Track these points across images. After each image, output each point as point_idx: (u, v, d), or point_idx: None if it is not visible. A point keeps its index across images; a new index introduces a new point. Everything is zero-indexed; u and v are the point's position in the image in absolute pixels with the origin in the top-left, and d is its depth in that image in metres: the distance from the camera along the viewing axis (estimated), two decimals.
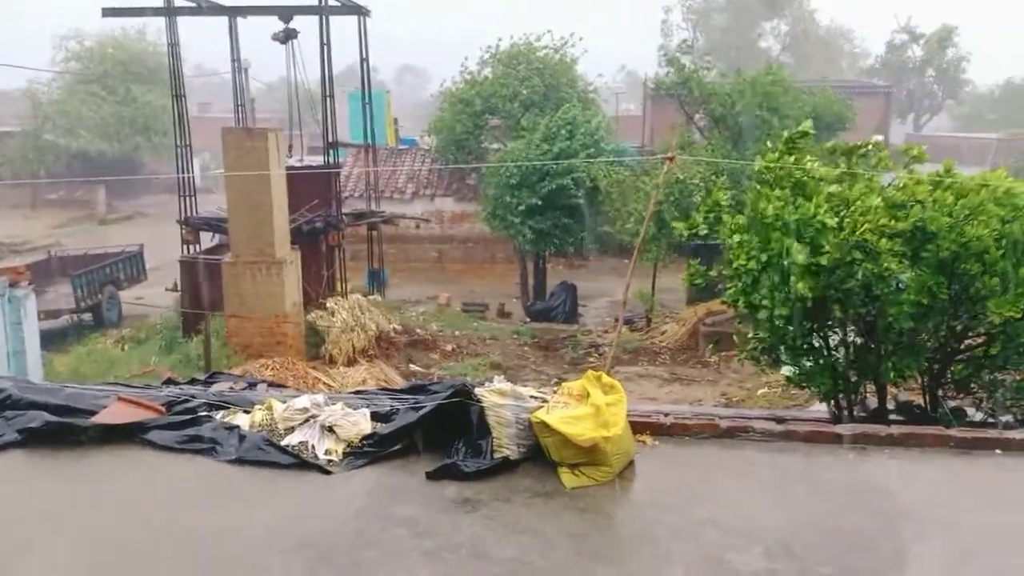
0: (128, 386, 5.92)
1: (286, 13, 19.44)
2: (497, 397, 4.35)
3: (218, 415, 4.92)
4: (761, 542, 3.60)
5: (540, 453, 4.30)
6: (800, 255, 6.42)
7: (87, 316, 20.73)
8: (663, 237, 17.32)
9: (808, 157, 7.43)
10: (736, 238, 7.01)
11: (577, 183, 20.13)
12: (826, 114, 22.17)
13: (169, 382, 6.76)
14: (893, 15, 54.42)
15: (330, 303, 17.67)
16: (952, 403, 7.81)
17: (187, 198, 19.72)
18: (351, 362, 16.72)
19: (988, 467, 4.42)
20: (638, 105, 41.02)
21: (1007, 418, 7.14)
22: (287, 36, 19.69)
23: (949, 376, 7.51)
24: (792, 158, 7.41)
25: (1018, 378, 7.43)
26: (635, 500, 4.08)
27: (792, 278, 6.47)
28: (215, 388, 5.93)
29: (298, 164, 20.84)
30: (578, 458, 4.14)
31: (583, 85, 26.87)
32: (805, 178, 7.17)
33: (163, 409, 4.95)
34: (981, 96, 52.85)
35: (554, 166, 19.64)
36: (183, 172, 20.02)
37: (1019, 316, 6.30)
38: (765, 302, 6.69)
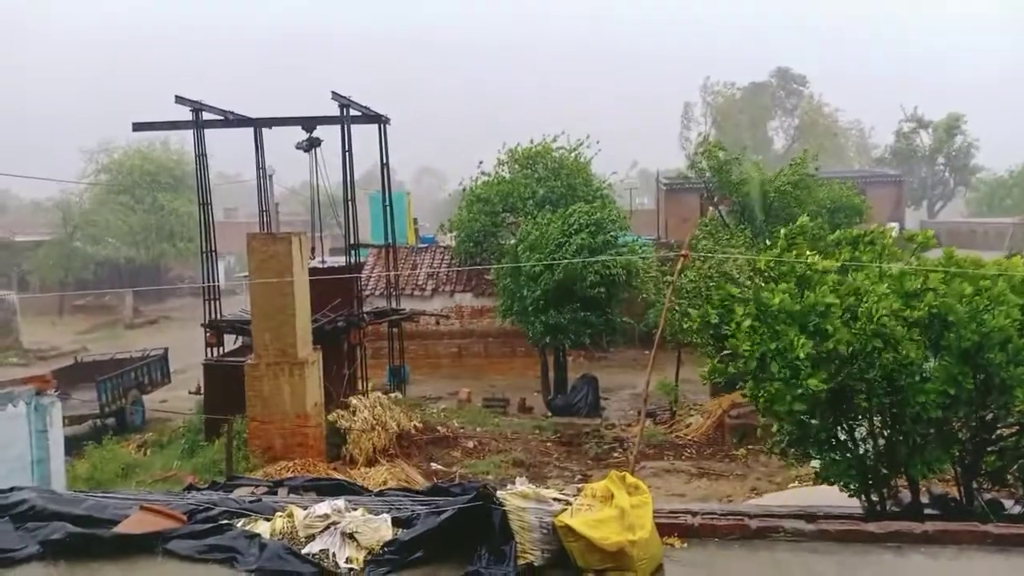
0: (149, 495, 5.91)
1: (310, 123, 20.21)
2: (520, 500, 4.30)
3: (239, 523, 4.89)
4: None
5: (565, 558, 4.22)
6: (804, 349, 6.41)
7: (111, 420, 20.80)
8: (682, 330, 17.27)
9: (808, 252, 7.51)
10: (746, 323, 7.00)
11: (601, 276, 20.26)
12: (843, 206, 22.43)
13: (191, 488, 6.75)
14: (900, 106, 55.77)
15: (352, 401, 17.67)
16: (988, 495, 7.60)
17: (211, 301, 20.07)
18: (372, 462, 16.56)
19: None
20: (651, 200, 41.72)
21: None
22: (311, 145, 20.41)
23: (983, 468, 7.33)
24: (794, 253, 7.51)
25: None
26: None
27: (802, 373, 6.43)
28: (236, 493, 5.91)
29: (320, 265, 21.24)
30: (604, 563, 4.06)
31: (598, 183, 27.43)
32: (808, 272, 7.23)
33: (184, 518, 4.93)
34: (995, 181, 53.23)
35: (572, 261, 19.83)
36: (208, 277, 20.44)
37: None
38: (779, 391, 6.63)
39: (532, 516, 4.25)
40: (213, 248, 20.53)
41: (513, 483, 4.58)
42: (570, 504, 4.31)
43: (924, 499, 7.90)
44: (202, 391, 18.89)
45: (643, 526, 4.08)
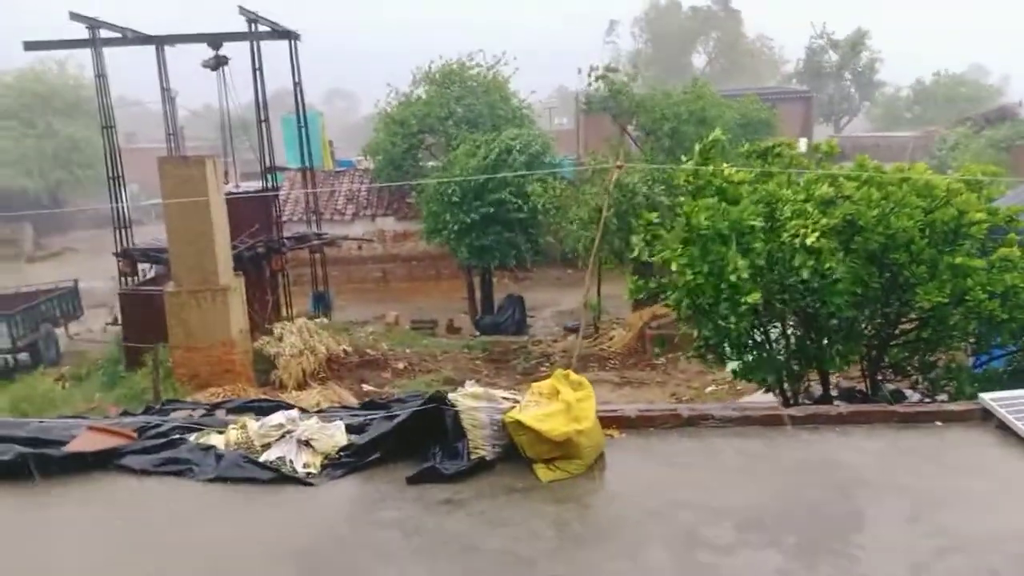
0: (91, 419, 5.87)
1: (216, 41, 19.33)
2: (471, 400, 4.51)
3: (191, 437, 4.95)
4: (731, 518, 3.84)
5: (514, 452, 4.47)
6: (745, 271, 6.73)
7: (23, 356, 20.11)
8: (606, 245, 17.69)
9: (724, 164, 7.80)
10: (681, 260, 7.17)
11: (517, 197, 20.44)
12: (753, 121, 23.00)
13: (126, 414, 6.71)
14: (810, 22, 56.79)
15: (277, 328, 17.54)
16: (890, 386, 8.27)
17: (122, 230, 19.35)
18: (302, 386, 16.61)
19: (929, 437, 4.77)
20: (571, 119, 41.73)
21: (942, 397, 7.60)
22: (218, 63, 19.59)
23: (886, 361, 7.95)
24: (710, 166, 7.79)
25: (951, 359, 7.92)
26: (609, 488, 4.28)
27: (743, 288, 6.76)
28: (173, 416, 5.92)
29: (235, 191, 20.66)
30: (552, 453, 4.33)
31: (516, 102, 27.28)
32: (724, 184, 7.53)
33: (135, 435, 4.96)
34: (895, 97, 55.19)
35: (492, 181, 19.90)
36: (116, 204, 19.64)
37: (946, 301, 6.74)
38: (722, 309, 6.94)
39: (483, 415, 4.47)
40: (120, 174, 19.67)
41: (463, 386, 4.77)
42: (518, 402, 4.54)
43: (833, 392, 8.55)
44: (119, 322, 18.41)
45: (588, 417, 4.35)
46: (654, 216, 7.98)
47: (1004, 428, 4.68)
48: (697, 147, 8.14)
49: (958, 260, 6.62)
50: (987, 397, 4.93)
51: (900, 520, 3.83)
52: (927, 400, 7.60)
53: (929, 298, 6.76)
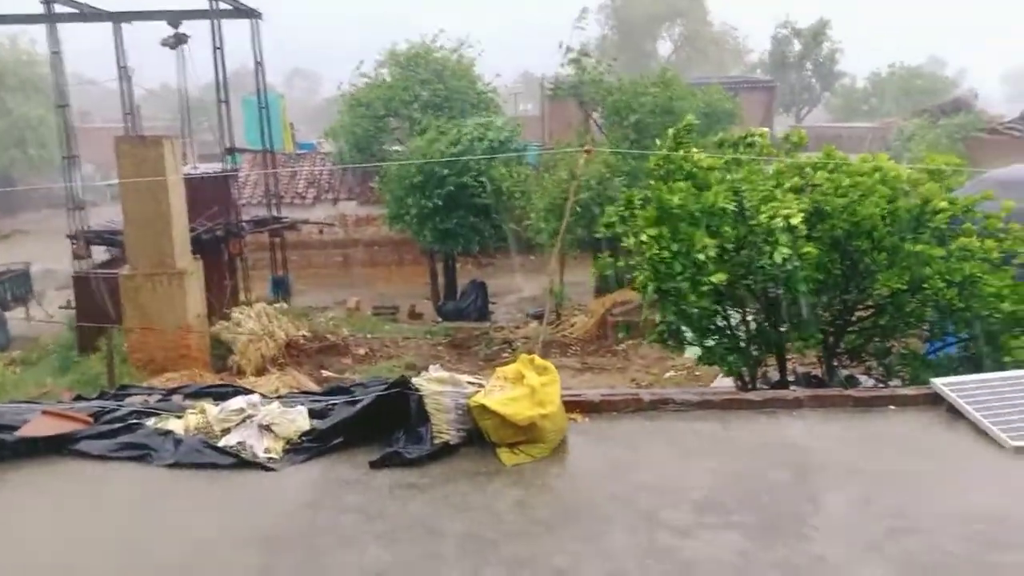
0: (48, 404, 5.74)
1: (175, 18, 18.91)
2: (436, 385, 4.50)
3: (149, 422, 4.87)
4: (690, 499, 3.89)
5: (478, 436, 4.47)
6: (712, 250, 6.83)
7: None
8: (569, 232, 17.74)
9: (695, 150, 7.89)
10: (650, 231, 7.33)
11: (481, 183, 20.38)
12: (716, 110, 23.17)
13: (79, 398, 6.58)
14: (772, 13, 57.49)
15: (235, 313, 17.31)
16: (846, 372, 8.45)
17: (76, 212, 18.89)
18: (261, 372, 16.42)
19: (883, 421, 4.88)
20: (536, 105, 41.66)
21: (895, 382, 7.78)
22: (177, 41, 19.17)
23: (843, 347, 8.11)
24: (681, 152, 7.87)
25: (905, 345, 8.11)
26: (573, 472, 4.31)
27: (708, 268, 6.86)
28: (127, 402, 5.82)
29: (193, 172, 20.28)
30: (516, 437, 4.34)
31: (482, 86, 27.15)
32: (695, 169, 7.62)
33: (90, 420, 4.86)
34: (853, 89, 56.02)
35: (455, 166, 19.82)
36: (71, 184, 19.16)
37: (905, 288, 6.89)
38: (684, 290, 7.04)
39: (448, 399, 4.46)
40: (75, 154, 19.18)
41: (427, 371, 4.76)
42: (483, 386, 4.54)
43: (790, 378, 8.71)
44: (73, 305, 18.01)
45: (552, 401, 4.37)
46: (637, 195, 8.06)
47: (954, 412, 4.81)
48: (671, 131, 8.20)
49: (919, 248, 6.76)
50: (938, 382, 5.05)
51: (855, 502, 3.92)
52: (881, 385, 7.78)
53: (889, 285, 6.91)
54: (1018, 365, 6.46)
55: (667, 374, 15.23)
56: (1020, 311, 6.81)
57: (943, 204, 7.00)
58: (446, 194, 20.10)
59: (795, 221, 6.56)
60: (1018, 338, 6.63)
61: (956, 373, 6.68)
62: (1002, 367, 6.55)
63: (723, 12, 79.16)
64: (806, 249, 6.66)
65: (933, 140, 27.06)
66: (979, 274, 6.84)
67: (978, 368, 6.83)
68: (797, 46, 52.60)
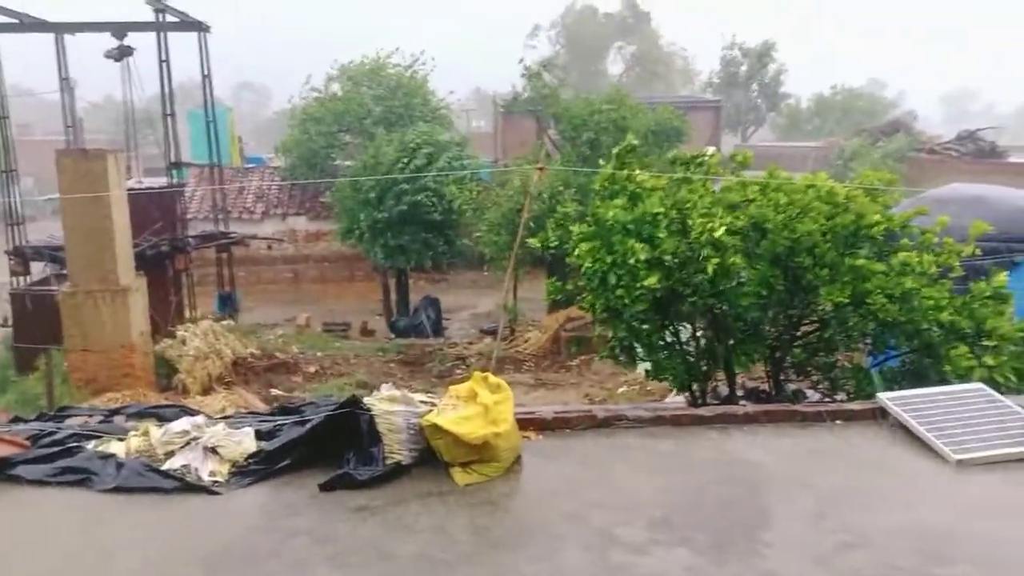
0: None
1: (120, 30, 18.56)
2: (387, 404, 4.44)
3: (90, 445, 4.71)
4: (644, 516, 3.90)
5: (431, 456, 4.42)
6: (642, 253, 6.96)
7: None
8: (522, 246, 17.76)
9: (638, 170, 8.02)
10: (584, 246, 7.48)
11: (433, 202, 20.33)
12: (666, 129, 23.51)
13: (17, 420, 6.34)
14: (720, 33, 58.76)
15: (180, 331, 16.92)
16: (793, 386, 8.60)
17: (14, 226, 18.33)
18: (207, 391, 16.06)
19: (831, 436, 4.96)
20: (488, 122, 41.82)
21: (840, 396, 7.93)
22: (121, 54, 18.81)
23: (789, 361, 8.25)
24: (624, 171, 7.99)
25: (850, 359, 8.29)
26: (527, 491, 4.29)
27: (641, 274, 6.98)
28: (67, 424, 5.63)
29: (138, 187, 19.85)
30: (469, 456, 4.30)
31: (435, 102, 27.17)
32: (637, 189, 7.74)
33: (28, 443, 4.68)
34: (797, 109, 57.50)
35: (409, 182, 19.75)
36: (10, 199, 18.59)
37: (847, 302, 7.04)
38: (620, 297, 7.16)
39: (400, 418, 4.40)
40: (13, 167, 18.63)
41: (379, 390, 4.70)
42: (436, 405, 4.50)
43: (739, 392, 8.83)
44: (9, 323, 17.42)
45: (505, 419, 4.35)
46: (570, 208, 8.15)
47: (900, 426, 4.92)
48: (614, 151, 8.31)
49: (859, 262, 6.93)
50: (884, 396, 5.16)
51: (805, 517, 3.96)
52: (827, 399, 7.92)
53: (831, 299, 7.04)
54: (958, 375, 6.65)
55: (620, 389, 15.32)
56: (958, 322, 7.01)
57: (876, 218, 7.20)
58: (398, 210, 20.01)
59: (718, 235, 6.70)
60: (957, 348, 6.81)
61: (899, 385, 6.84)
62: (943, 377, 6.74)
63: (672, 33, 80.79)
64: (732, 261, 6.79)
65: (874, 160, 27.85)
66: (918, 288, 7.02)
67: (920, 379, 7.02)
68: (744, 67, 53.82)
